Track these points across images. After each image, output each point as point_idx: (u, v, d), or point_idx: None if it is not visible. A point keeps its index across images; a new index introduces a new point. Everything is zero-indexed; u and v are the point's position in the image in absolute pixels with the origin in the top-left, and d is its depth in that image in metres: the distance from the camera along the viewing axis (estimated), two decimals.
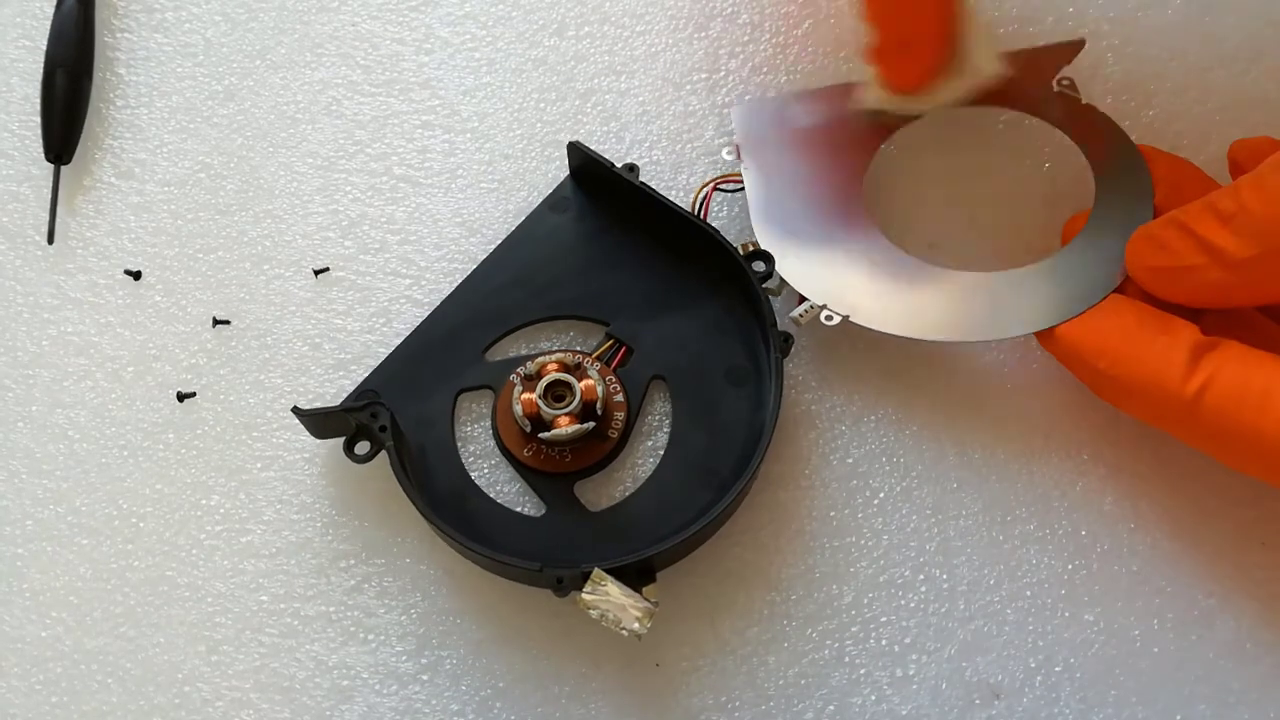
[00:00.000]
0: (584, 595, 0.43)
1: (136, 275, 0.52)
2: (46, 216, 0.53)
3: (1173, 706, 0.46)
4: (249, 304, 0.52)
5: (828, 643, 0.47)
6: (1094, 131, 0.52)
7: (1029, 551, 0.48)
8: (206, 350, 0.51)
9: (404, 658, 0.47)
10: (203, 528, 0.49)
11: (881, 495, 0.49)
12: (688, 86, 0.56)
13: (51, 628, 0.47)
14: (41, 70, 0.54)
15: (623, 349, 0.50)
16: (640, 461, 0.49)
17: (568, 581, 0.43)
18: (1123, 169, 0.51)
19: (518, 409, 0.47)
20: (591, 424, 0.47)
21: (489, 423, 0.49)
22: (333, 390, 0.50)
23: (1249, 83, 0.56)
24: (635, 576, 0.44)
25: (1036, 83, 0.53)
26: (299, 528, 0.48)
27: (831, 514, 0.49)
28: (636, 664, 0.46)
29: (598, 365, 0.49)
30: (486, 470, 0.49)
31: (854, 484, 0.49)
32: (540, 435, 0.47)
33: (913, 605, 0.48)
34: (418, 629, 0.47)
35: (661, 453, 0.49)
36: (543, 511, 0.48)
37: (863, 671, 0.47)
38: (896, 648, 0.47)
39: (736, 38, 0.57)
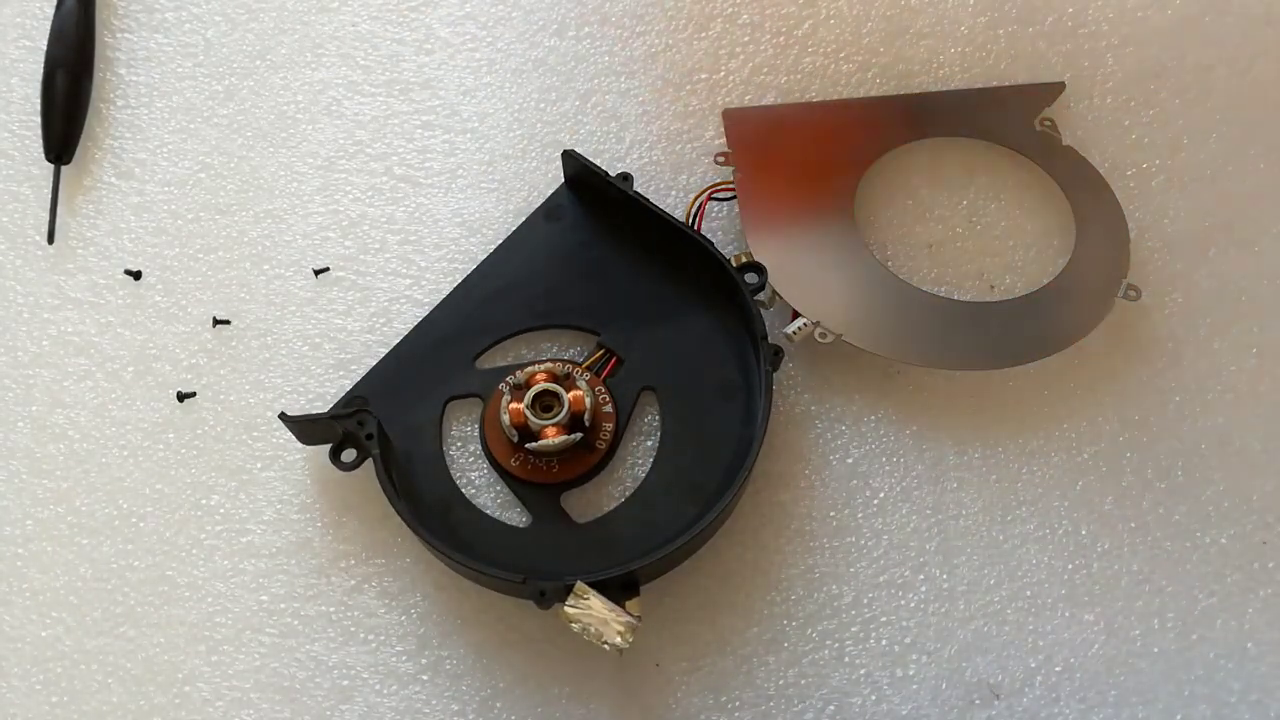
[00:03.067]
0: (566, 608, 0.42)
1: (137, 275, 0.52)
2: (47, 216, 0.53)
3: (1173, 706, 0.46)
4: (249, 304, 0.52)
5: (828, 643, 0.47)
6: (1073, 173, 0.53)
7: (1029, 551, 0.48)
8: (207, 350, 0.51)
9: (404, 658, 0.47)
10: (203, 527, 0.49)
11: (881, 495, 0.49)
12: (688, 87, 0.56)
13: (52, 627, 0.47)
14: (42, 70, 0.54)
15: (613, 359, 0.49)
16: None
17: (550, 594, 0.43)
18: (1100, 213, 0.52)
19: (505, 419, 0.47)
20: (579, 435, 0.47)
21: (477, 431, 0.49)
22: (333, 390, 0.50)
23: (1249, 83, 0.56)
24: (619, 590, 0.43)
25: (1018, 121, 0.53)
26: (299, 527, 0.48)
27: (831, 514, 0.49)
28: (636, 664, 0.46)
29: (587, 376, 0.48)
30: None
31: (854, 484, 0.49)
32: (527, 446, 0.47)
33: (913, 605, 0.47)
34: (418, 629, 0.47)
35: (649, 465, 0.48)
36: (528, 522, 0.48)
37: (863, 671, 0.47)
38: (896, 648, 0.47)
39: (736, 38, 0.57)
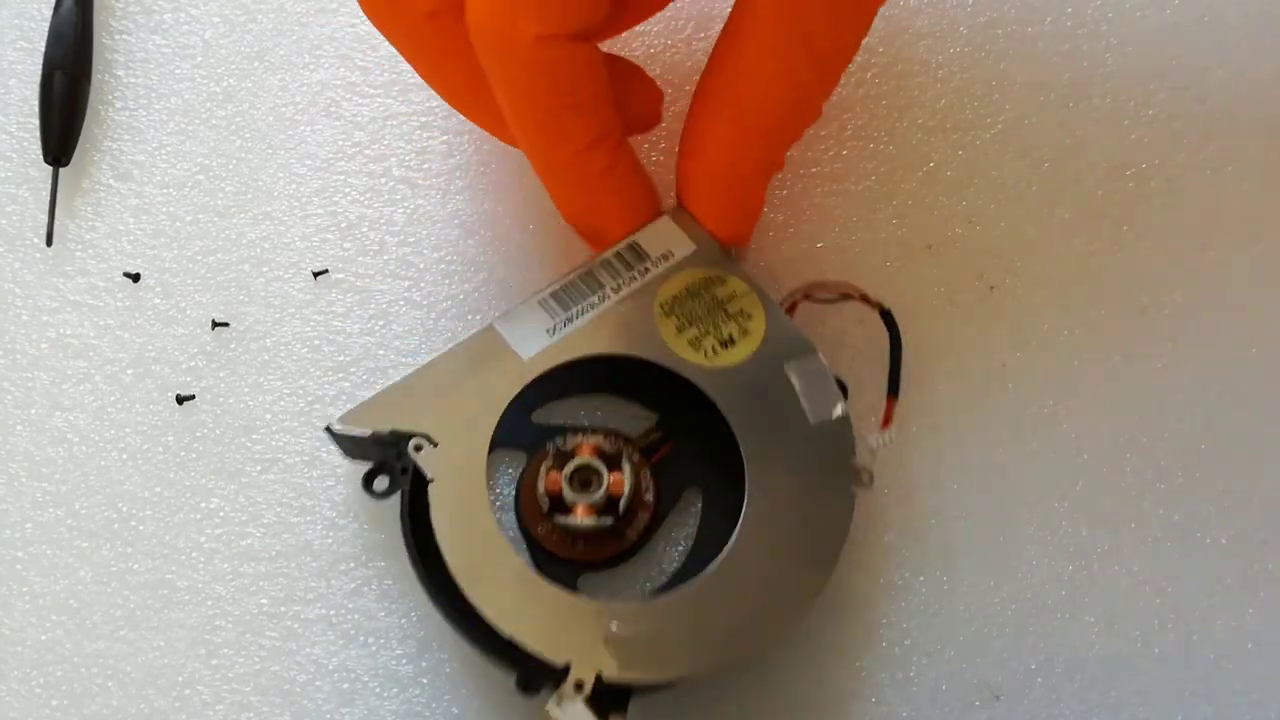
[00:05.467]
0: (548, 707, 0.40)
1: (135, 277, 0.52)
2: (45, 219, 0.53)
3: (1173, 707, 0.46)
4: (248, 306, 0.52)
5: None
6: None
7: (1029, 552, 0.48)
8: (206, 353, 0.51)
9: (404, 661, 0.47)
10: (202, 531, 0.48)
11: (882, 495, 0.49)
12: (687, 87, 0.56)
13: (51, 631, 0.47)
14: (40, 72, 0.54)
15: (667, 444, 0.47)
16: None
17: (533, 676, 0.41)
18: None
19: (541, 485, 0.45)
20: (609, 520, 0.45)
21: (515, 485, 0.48)
22: (332, 392, 0.50)
23: (1248, 83, 0.56)
24: (607, 698, 0.41)
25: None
26: (298, 531, 0.48)
27: None
28: None
29: (636, 456, 0.46)
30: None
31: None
32: (556, 518, 0.45)
33: (913, 607, 0.47)
34: (418, 632, 0.47)
35: (674, 570, 0.46)
36: None
37: (863, 674, 0.47)
38: (896, 650, 0.47)
39: None
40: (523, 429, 0.48)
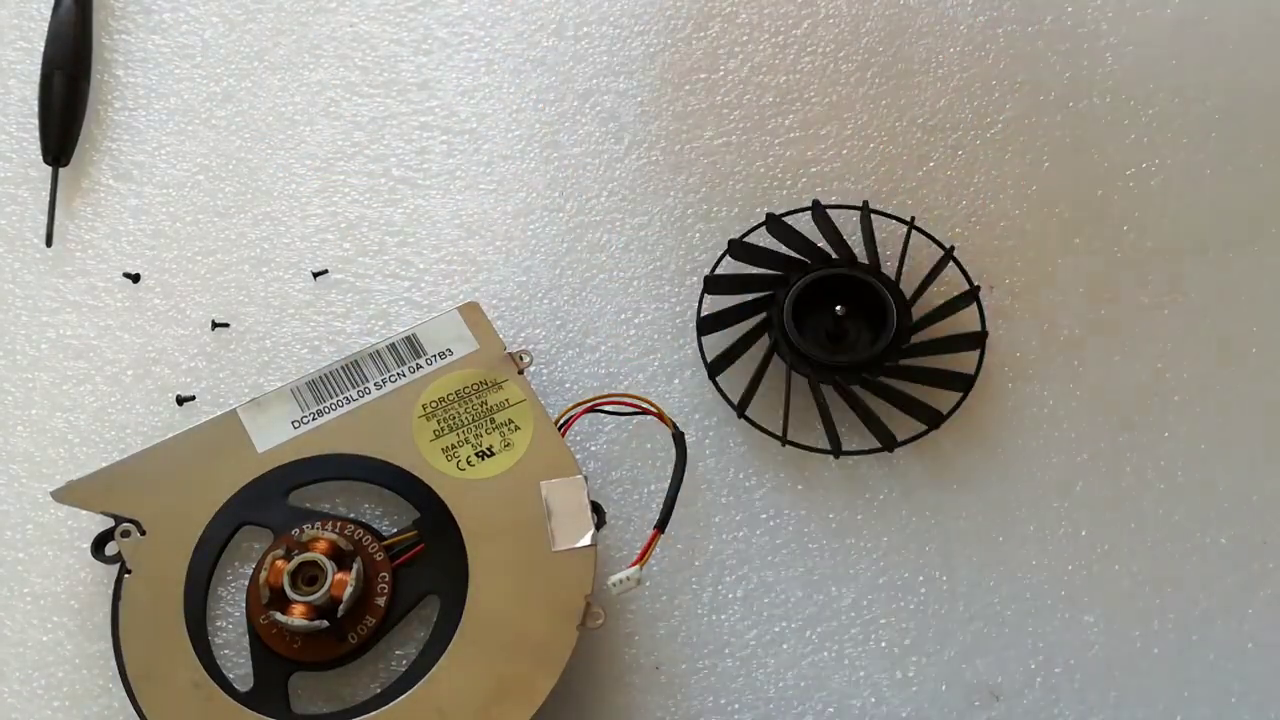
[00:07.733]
0: None
1: (135, 278, 0.52)
2: (45, 219, 0.53)
3: (1173, 707, 0.46)
4: (248, 306, 0.52)
5: (827, 644, 0.47)
6: None
7: (1029, 553, 0.48)
8: (206, 353, 0.51)
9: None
10: None
11: (881, 497, 0.49)
12: (686, 87, 0.56)
13: (53, 632, 0.47)
14: (39, 72, 0.54)
15: (420, 545, 0.44)
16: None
17: None
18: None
19: (263, 574, 0.43)
20: (324, 624, 0.42)
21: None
22: None
23: (1249, 82, 0.56)
24: None
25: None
26: None
27: (831, 515, 0.49)
28: (636, 667, 0.46)
29: (380, 555, 0.44)
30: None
31: (853, 485, 0.49)
32: (272, 612, 0.42)
33: (912, 607, 0.48)
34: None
35: (398, 677, 0.44)
36: (248, 688, 0.44)
37: (862, 674, 0.47)
38: (896, 649, 0.47)
39: (735, 38, 0.57)
40: (277, 509, 0.45)
